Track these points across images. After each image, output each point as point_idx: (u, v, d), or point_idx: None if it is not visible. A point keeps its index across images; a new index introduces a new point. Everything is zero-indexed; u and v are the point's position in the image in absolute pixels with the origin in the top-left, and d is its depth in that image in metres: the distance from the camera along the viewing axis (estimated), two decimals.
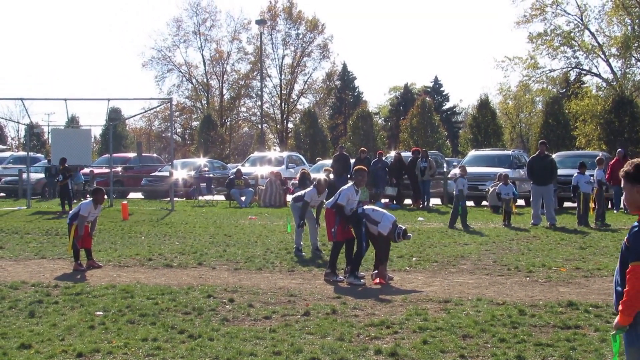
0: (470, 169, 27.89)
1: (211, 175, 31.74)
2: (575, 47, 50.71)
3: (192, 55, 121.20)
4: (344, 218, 10.82)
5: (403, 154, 28.87)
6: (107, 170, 29.79)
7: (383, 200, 26.57)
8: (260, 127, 64.44)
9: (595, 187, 19.31)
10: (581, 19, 49.60)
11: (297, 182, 20.50)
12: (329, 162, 30.19)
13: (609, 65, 49.88)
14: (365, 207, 11.09)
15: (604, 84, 51.35)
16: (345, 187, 11.05)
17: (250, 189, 27.09)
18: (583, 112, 46.82)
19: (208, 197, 28.49)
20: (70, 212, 12.25)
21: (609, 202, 23.30)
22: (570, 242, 15.13)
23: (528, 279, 10.75)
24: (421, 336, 7.30)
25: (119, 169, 32.45)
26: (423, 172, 25.36)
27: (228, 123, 72.75)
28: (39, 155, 43.09)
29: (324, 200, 12.84)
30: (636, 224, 4.41)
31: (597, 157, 21.29)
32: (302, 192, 13.53)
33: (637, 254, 4.31)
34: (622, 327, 4.42)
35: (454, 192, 18.78)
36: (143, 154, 39.69)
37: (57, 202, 28.81)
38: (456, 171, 27.74)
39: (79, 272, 11.50)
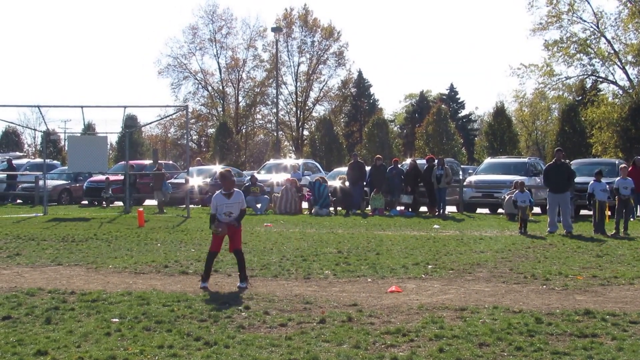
0: (485, 177, 27.93)
1: None
2: (591, 55, 50.56)
3: (208, 63, 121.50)
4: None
5: (419, 161, 28.86)
6: (123, 177, 29.90)
7: (398, 208, 26.55)
8: (275, 134, 64.56)
9: (625, 196, 19.12)
10: (597, 27, 49.45)
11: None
12: (344, 169, 30.26)
13: (625, 72, 49.68)
14: None
15: (620, 92, 51.14)
16: (214, 195, 11.11)
17: (265, 196, 27.13)
18: (599, 119, 46.60)
19: None
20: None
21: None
22: (586, 250, 15.05)
23: (544, 287, 10.69)
24: (437, 344, 7.27)
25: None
26: (439, 179, 25.31)
27: (244, 130, 72.97)
28: (55, 162, 43.35)
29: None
30: None
31: (621, 166, 21.19)
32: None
33: None
34: None
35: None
36: (159, 161, 39.82)
37: (75, 208, 29.05)
38: (471, 178, 27.78)
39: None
